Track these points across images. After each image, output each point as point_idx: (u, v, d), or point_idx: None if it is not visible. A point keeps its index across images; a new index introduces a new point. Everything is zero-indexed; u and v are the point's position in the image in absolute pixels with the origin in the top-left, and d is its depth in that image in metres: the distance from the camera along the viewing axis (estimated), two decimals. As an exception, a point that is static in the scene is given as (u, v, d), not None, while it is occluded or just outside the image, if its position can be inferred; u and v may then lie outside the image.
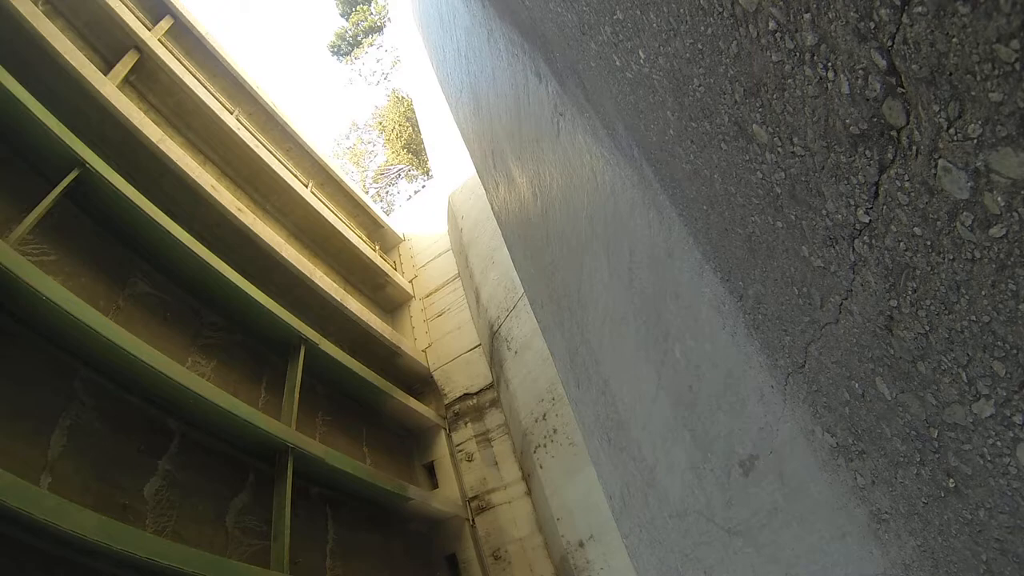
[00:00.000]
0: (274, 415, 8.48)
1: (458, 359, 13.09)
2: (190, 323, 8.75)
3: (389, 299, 15.60)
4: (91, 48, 10.25)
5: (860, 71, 0.92)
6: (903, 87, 0.86)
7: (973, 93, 0.76)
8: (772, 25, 1.07)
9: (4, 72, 6.72)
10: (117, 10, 10.31)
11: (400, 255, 17.47)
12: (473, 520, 10.39)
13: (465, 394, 12.31)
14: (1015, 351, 0.88)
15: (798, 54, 1.04)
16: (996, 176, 0.78)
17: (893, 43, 0.84)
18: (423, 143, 23.17)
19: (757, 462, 2.10)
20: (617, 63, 1.82)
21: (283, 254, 10.91)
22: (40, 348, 6.09)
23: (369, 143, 32.52)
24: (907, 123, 0.88)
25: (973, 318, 0.93)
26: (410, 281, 16.14)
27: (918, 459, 1.23)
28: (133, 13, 11.11)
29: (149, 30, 11.42)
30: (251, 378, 9.22)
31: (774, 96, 1.15)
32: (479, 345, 12.66)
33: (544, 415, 8.88)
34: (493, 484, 10.61)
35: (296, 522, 7.65)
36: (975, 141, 0.79)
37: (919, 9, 0.78)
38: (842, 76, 0.96)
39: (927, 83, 0.82)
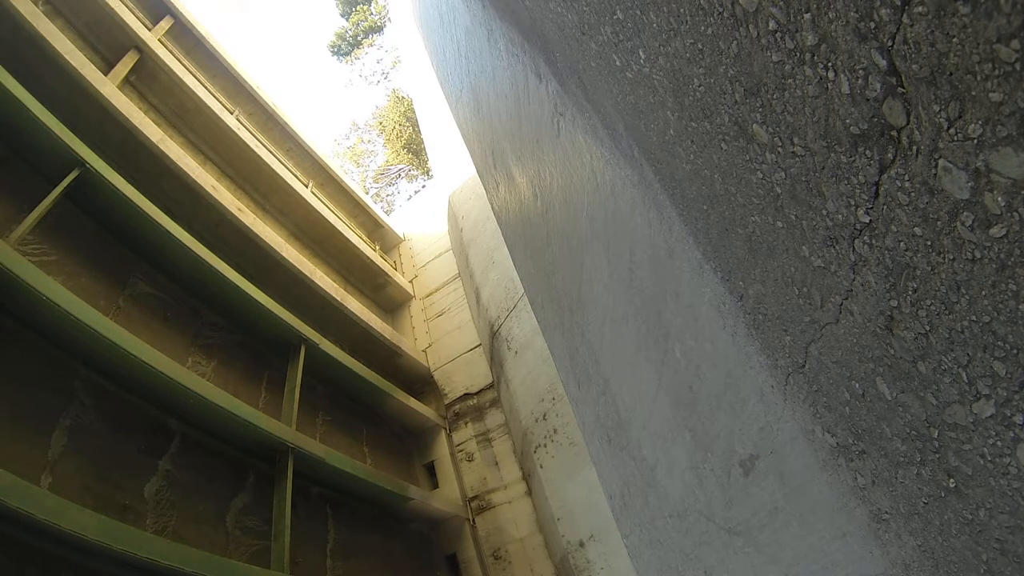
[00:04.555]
0: (274, 415, 8.49)
1: (458, 359, 13.09)
2: (190, 323, 8.76)
3: (389, 299, 15.60)
4: (91, 48, 10.25)
5: (860, 71, 0.92)
6: (903, 87, 0.86)
7: (973, 93, 0.76)
8: (772, 25, 1.07)
9: (4, 72, 6.72)
10: (117, 10, 10.31)
11: (400, 255, 17.48)
12: (473, 520, 10.39)
13: (465, 394, 12.31)
14: (1015, 351, 0.88)
15: (798, 54, 1.04)
16: (996, 176, 0.78)
17: (893, 43, 0.84)
18: (423, 143, 23.17)
19: (757, 462, 2.10)
20: (617, 63, 1.82)
21: (283, 254, 10.91)
22: (40, 348, 6.09)
23: (369, 143, 32.53)
24: (907, 123, 0.88)
25: (973, 318, 0.93)
26: (410, 281, 16.14)
27: (918, 459, 1.23)
28: (133, 13, 11.11)
29: (149, 30, 11.42)
30: (251, 378, 9.22)
31: (774, 96, 1.15)
32: (479, 345, 12.66)
33: (544, 415, 8.88)
34: (493, 484, 10.61)
35: (296, 522, 7.65)
36: (975, 141, 0.79)
37: (919, 9, 0.77)
38: (842, 76, 0.96)
39: (927, 83, 0.82)
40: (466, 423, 11.92)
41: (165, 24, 12.19)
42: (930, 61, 0.80)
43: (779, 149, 1.21)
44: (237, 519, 7.17)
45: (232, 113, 13.00)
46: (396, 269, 16.43)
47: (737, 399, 2.07)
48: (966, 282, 0.91)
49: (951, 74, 0.78)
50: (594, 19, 1.86)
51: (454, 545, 10.16)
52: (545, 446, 8.73)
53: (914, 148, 0.89)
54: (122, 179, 7.80)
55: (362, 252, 14.77)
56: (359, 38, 30.98)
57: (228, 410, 7.13)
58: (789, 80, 1.09)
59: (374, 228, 17.56)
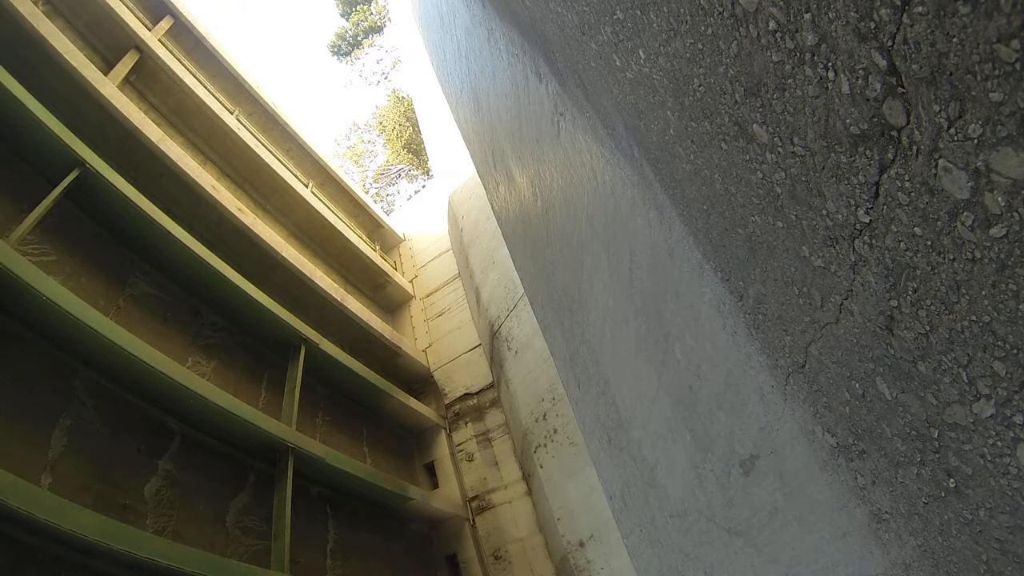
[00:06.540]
0: (274, 415, 8.49)
1: (458, 359, 13.09)
2: (190, 323, 8.76)
3: (389, 299, 15.60)
4: (91, 48, 10.25)
5: (860, 71, 0.92)
6: (903, 87, 0.86)
7: (973, 93, 0.76)
8: (772, 25, 1.07)
9: (4, 72, 6.72)
10: (117, 10, 10.31)
11: (400, 255, 17.47)
12: (473, 520, 10.39)
13: (465, 394, 12.31)
14: (1015, 351, 0.88)
15: (798, 54, 1.04)
16: (996, 176, 0.78)
17: (893, 43, 0.84)
18: (423, 143, 23.17)
19: (757, 462, 2.10)
20: (617, 63, 1.82)
21: (283, 254, 10.91)
22: (40, 348, 6.09)
23: (369, 143, 32.53)
24: (907, 123, 0.88)
25: (973, 318, 0.93)
26: (410, 281, 16.14)
27: (918, 459, 1.23)
28: (133, 13, 11.10)
29: (149, 30, 11.42)
30: (251, 378, 9.22)
31: (774, 96, 1.15)
32: (479, 345, 12.66)
33: (544, 415, 8.88)
34: (493, 484, 10.61)
35: (296, 522, 7.65)
36: (975, 141, 0.79)
37: (919, 9, 0.77)
38: (842, 76, 0.96)
39: (927, 83, 0.82)
40: (466, 423, 11.92)
41: (165, 24, 12.18)
42: (930, 61, 0.80)
43: (779, 149, 1.21)
44: (237, 519, 7.17)
45: (232, 113, 13.00)
46: (396, 269, 16.43)
47: (737, 399, 2.07)
48: (966, 282, 0.91)
49: (951, 74, 0.78)
50: (594, 19, 1.86)
51: (454, 545, 10.16)
52: (545, 446, 8.73)
53: (914, 148, 0.89)
54: (122, 179, 7.80)
55: (362, 252, 14.77)
56: (359, 38, 30.98)
57: (228, 410, 7.13)
58: (789, 80, 1.09)
59: (374, 228, 17.56)
